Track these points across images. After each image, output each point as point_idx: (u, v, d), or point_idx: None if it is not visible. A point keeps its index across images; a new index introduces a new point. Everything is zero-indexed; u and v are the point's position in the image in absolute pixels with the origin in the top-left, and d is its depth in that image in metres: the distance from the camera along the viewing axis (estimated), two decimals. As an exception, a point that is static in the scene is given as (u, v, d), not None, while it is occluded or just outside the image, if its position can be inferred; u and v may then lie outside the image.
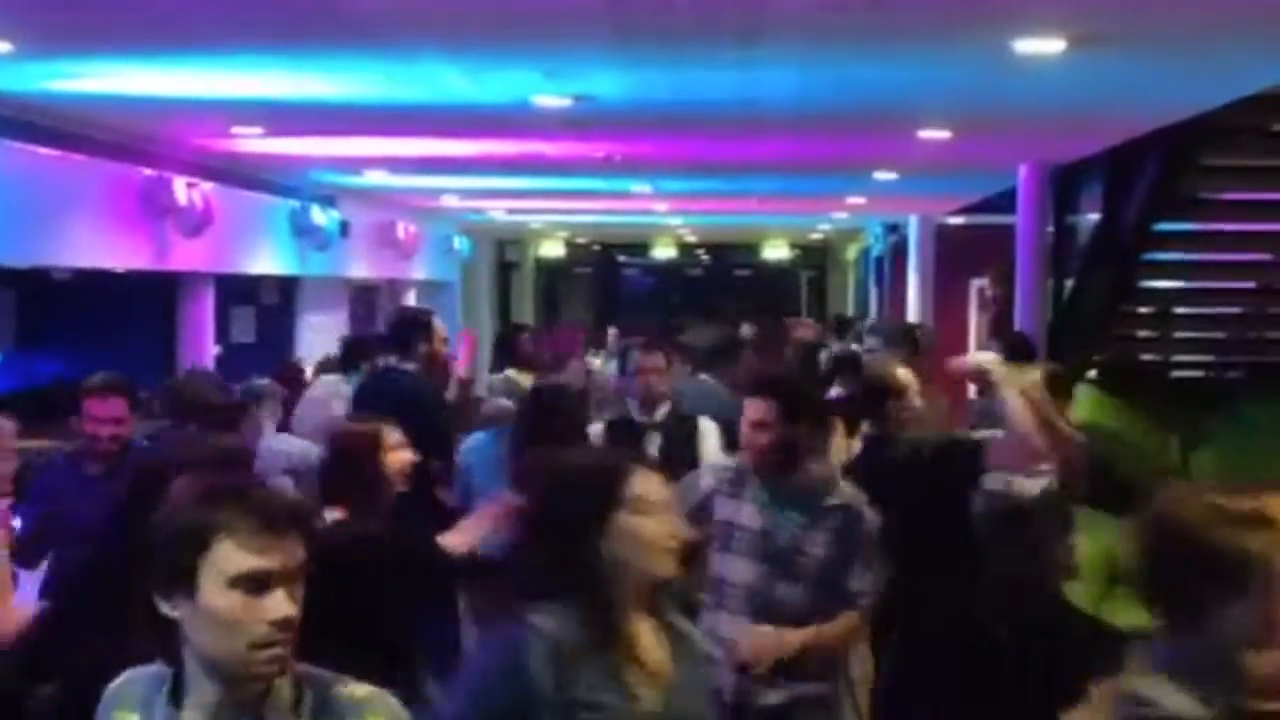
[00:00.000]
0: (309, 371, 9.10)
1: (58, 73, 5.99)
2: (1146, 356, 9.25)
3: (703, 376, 6.74)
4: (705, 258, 27.06)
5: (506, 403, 6.10)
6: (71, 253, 7.76)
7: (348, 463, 3.78)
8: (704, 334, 7.02)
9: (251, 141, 8.34)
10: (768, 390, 3.75)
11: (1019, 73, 5.66)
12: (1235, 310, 9.30)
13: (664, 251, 24.28)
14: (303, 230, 10.84)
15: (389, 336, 6.40)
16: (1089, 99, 6.55)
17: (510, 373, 7.96)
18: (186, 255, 8.79)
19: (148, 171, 8.26)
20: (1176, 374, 9.46)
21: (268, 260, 10.58)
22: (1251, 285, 9.15)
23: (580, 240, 23.82)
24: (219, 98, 6.65)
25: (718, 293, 25.81)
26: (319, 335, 11.80)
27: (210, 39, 5.29)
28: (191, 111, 7.15)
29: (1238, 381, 8.92)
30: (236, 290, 11.05)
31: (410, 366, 6.04)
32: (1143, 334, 9.23)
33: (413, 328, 6.16)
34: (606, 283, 27.44)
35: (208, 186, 8.72)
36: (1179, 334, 9.49)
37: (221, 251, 9.38)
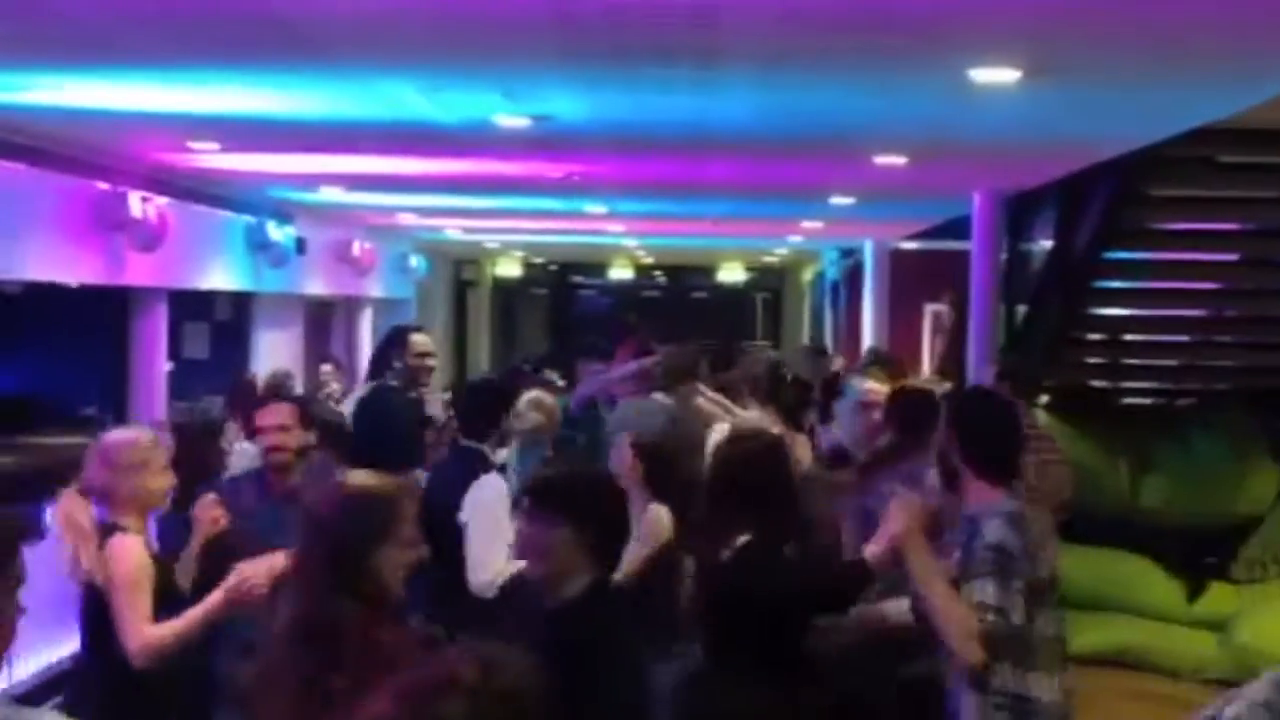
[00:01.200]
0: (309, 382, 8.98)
1: (11, 85, 5.94)
2: (1097, 383, 9.36)
3: (656, 396, 6.79)
4: (661, 279, 27.13)
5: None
6: (23, 266, 7.68)
7: None
8: (666, 354, 7.09)
9: (208, 157, 8.29)
10: None
11: (974, 102, 5.72)
12: (1184, 338, 9.42)
13: (620, 272, 24.31)
14: (258, 246, 10.78)
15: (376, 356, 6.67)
16: (1042, 129, 6.63)
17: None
18: (140, 270, 8.72)
19: (102, 185, 8.20)
20: (1127, 400, 9.57)
21: (222, 276, 10.51)
22: (1200, 313, 9.27)
23: (537, 260, 23.81)
24: (175, 112, 6.62)
25: (673, 314, 25.86)
26: (273, 352, 11.73)
27: (167, 54, 5.26)
28: (147, 126, 7.10)
29: (1187, 409, 9.04)
30: (190, 306, 10.96)
31: (393, 383, 6.21)
32: (1093, 361, 9.32)
33: (388, 345, 6.31)
34: (562, 303, 27.45)
35: (162, 201, 8.66)
36: (1129, 361, 9.60)
37: (175, 267, 9.31)
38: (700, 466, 5.08)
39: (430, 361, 6.89)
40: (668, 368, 6.76)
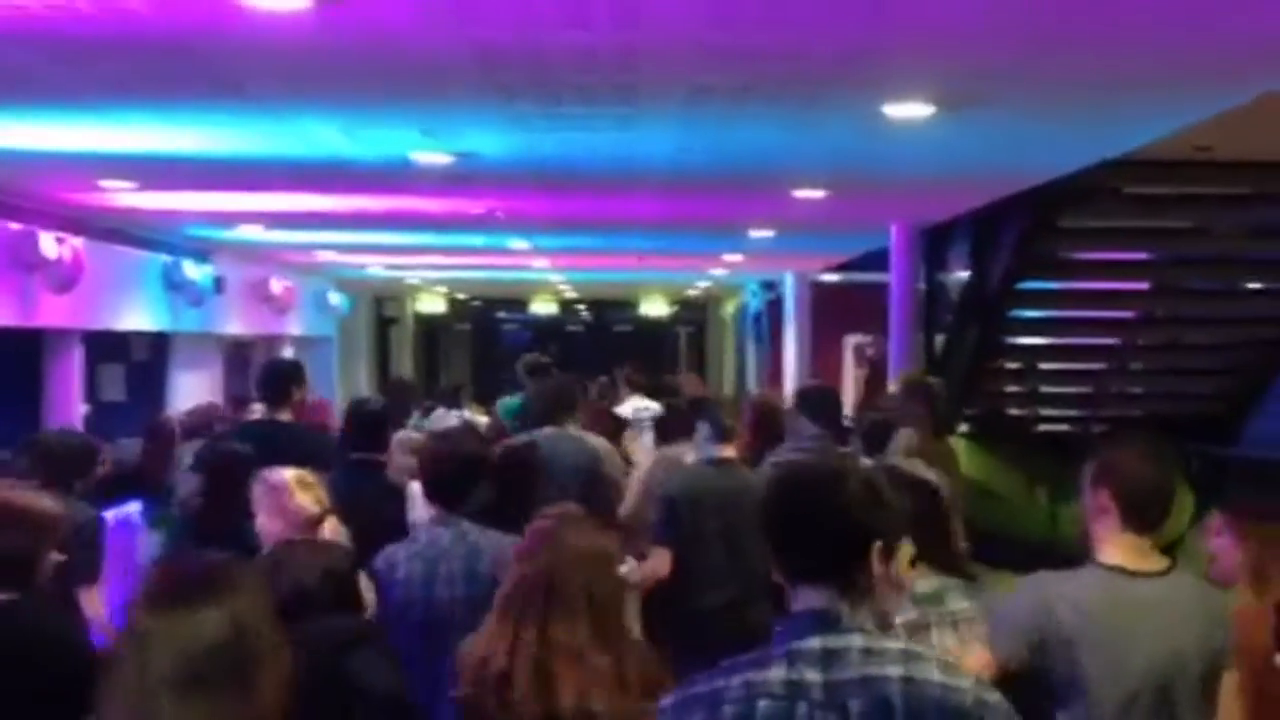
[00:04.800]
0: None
1: (-81, 124, 5.84)
2: (1014, 411, 9.49)
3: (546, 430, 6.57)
4: (585, 314, 27.16)
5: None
6: (-68, 308, 7.53)
7: None
8: (543, 387, 6.95)
9: (122, 195, 8.18)
10: None
11: (889, 136, 5.81)
12: (1098, 366, 9.58)
13: (544, 307, 24.30)
14: (175, 285, 10.64)
15: (261, 388, 6.30)
16: (956, 162, 6.74)
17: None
18: (54, 311, 8.57)
19: (14, 226, 8.06)
20: (1043, 428, 9.71)
21: (139, 316, 10.36)
22: (1113, 341, 9.44)
23: (460, 296, 23.74)
24: (87, 151, 6.53)
25: (597, 348, 25.88)
26: (191, 392, 11.56)
27: (77, 93, 5.20)
28: (59, 165, 7.00)
29: (1102, 435, 9.19)
30: (106, 347, 10.79)
31: (285, 417, 5.98)
32: (1010, 389, 9.45)
33: (285, 378, 6.08)
34: (486, 338, 27.37)
35: (77, 241, 8.53)
36: (1045, 389, 9.75)
37: (90, 307, 9.16)
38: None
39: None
40: (545, 403, 6.53)
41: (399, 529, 4.83)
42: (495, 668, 3.05)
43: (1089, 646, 3.08)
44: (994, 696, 2.15)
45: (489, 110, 5.48)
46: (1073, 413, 9.86)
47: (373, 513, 4.92)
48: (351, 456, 5.57)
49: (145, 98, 5.33)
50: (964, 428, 8.88)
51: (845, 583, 2.17)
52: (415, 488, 4.99)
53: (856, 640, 2.14)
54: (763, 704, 2.12)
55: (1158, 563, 3.23)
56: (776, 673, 2.14)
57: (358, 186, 7.90)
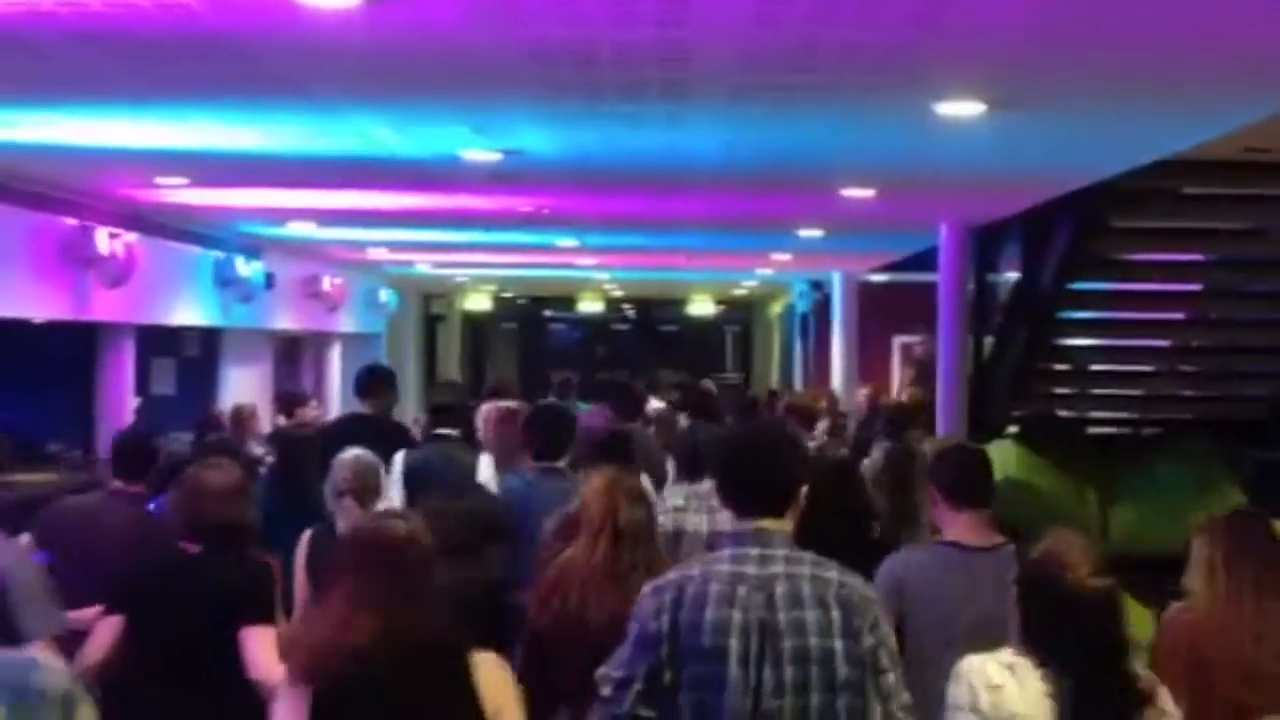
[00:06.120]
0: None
1: (-22, 121, 5.93)
2: (1064, 413, 9.41)
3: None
4: (631, 312, 27.16)
5: None
6: (-11, 303, 7.64)
7: None
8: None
9: (175, 192, 8.28)
10: None
11: (940, 135, 5.78)
12: (1149, 368, 9.49)
13: (590, 306, 24.34)
14: (226, 282, 10.75)
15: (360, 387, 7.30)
16: (1008, 161, 6.70)
17: None
18: (107, 306, 8.68)
19: (70, 221, 8.16)
20: (1094, 430, 9.62)
21: (190, 311, 10.47)
22: (1165, 344, 9.35)
23: (507, 294, 23.82)
24: (143, 148, 6.61)
25: (643, 347, 25.88)
26: (241, 387, 11.67)
27: (135, 90, 5.26)
28: (115, 162, 7.09)
29: (1154, 438, 9.09)
30: (158, 341, 10.91)
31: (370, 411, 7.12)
32: (1060, 391, 9.38)
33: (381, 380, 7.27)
34: (532, 336, 27.43)
35: (130, 237, 8.63)
36: (1096, 391, 9.66)
37: (143, 302, 9.27)
38: None
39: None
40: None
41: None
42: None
43: (925, 604, 3.89)
44: (858, 580, 3.12)
45: (538, 108, 5.51)
46: (1124, 415, 9.77)
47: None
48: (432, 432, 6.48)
49: (200, 95, 5.39)
50: (1012, 429, 8.81)
51: (776, 513, 3.11)
52: (484, 458, 5.99)
53: (781, 551, 3.08)
54: (713, 586, 3.05)
55: (990, 539, 3.96)
56: (725, 567, 3.08)
57: (408, 184, 7.95)
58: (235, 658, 3.84)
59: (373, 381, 7.22)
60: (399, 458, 5.95)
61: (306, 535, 4.92)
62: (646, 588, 3.12)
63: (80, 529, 4.87)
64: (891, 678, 3.04)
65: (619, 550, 3.86)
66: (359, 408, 7.33)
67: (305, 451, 6.39)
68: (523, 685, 3.26)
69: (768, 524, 3.09)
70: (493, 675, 3.02)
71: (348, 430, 6.53)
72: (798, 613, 3.00)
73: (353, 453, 5.01)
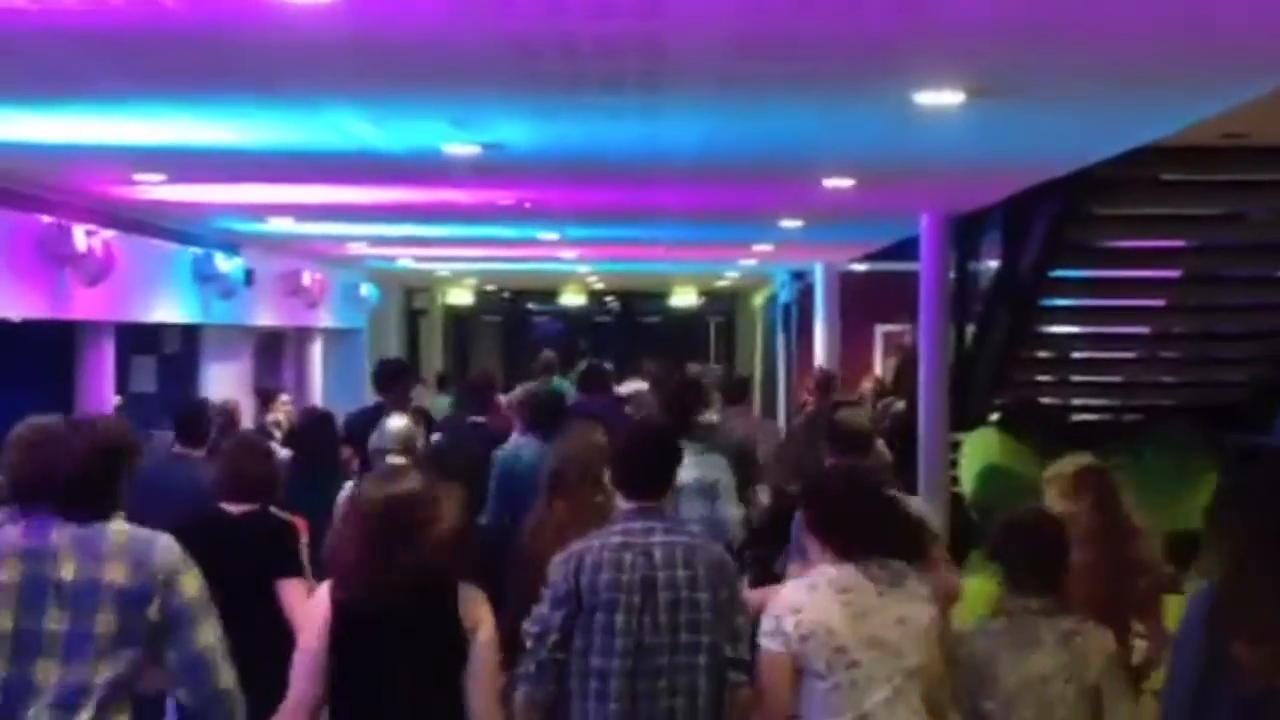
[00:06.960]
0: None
1: (-47, 119, 5.88)
2: (1046, 400, 9.44)
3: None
4: (614, 305, 27.15)
5: None
6: (-34, 302, 7.59)
7: None
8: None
9: (153, 188, 8.23)
10: None
11: (919, 124, 5.78)
12: (1131, 355, 9.52)
13: (573, 299, 24.31)
14: (206, 278, 10.70)
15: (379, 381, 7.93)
16: (987, 149, 6.71)
17: None
18: (86, 304, 8.63)
19: (46, 219, 8.12)
20: (1076, 417, 9.66)
21: (170, 309, 10.43)
22: (1146, 330, 9.38)
23: (489, 287, 23.78)
24: (120, 145, 6.57)
25: (626, 339, 25.88)
26: (222, 384, 11.63)
27: (111, 86, 5.23)
28: (92, 159, 7.05)
29: (1135, 424, 9.13)
30: (137, 339, 10.86)
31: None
32: (1042, 378, 9.41)
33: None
34: (515, 330, 27.40)
35: (108, 234, 8.58)
36: (1077, 378, 9.70)
37: (122, 300, 9.22)
38: None
39: None
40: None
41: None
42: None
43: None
44: (717, 546, 4.18)
45: (518, 101, 5.49)
46: (1105, 402, 9.81)
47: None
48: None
49: (177, 91, 5.36)
50: (994, 417, 8.84)
51: (657, 494, 4.05)
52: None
53: (661, 524, 4.00)
54: (607, 553, 3.91)
55: None
56: (616, 538, 3.96)
57: (388, 178, 7.93)
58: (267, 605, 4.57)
59: (386, 375, 7.94)
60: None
61: (347, 489, 5.52)
62: (556, 558, 3.96)
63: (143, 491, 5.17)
64: (740, 621, 3.92)
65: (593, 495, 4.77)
66: (360, 404, 8.29)
67: (325, 439, 7.46)
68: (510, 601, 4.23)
69: (650, 503, 4.00)
70: (471, 599, 3.59)
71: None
72: (671, 571, 3.88)
73: (401, 422, 6.06)
